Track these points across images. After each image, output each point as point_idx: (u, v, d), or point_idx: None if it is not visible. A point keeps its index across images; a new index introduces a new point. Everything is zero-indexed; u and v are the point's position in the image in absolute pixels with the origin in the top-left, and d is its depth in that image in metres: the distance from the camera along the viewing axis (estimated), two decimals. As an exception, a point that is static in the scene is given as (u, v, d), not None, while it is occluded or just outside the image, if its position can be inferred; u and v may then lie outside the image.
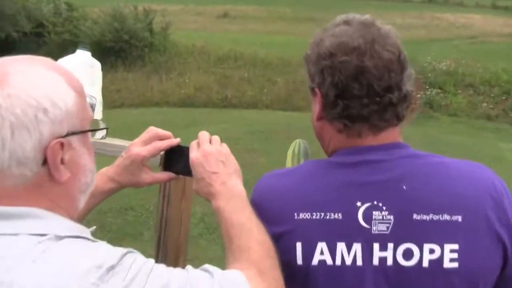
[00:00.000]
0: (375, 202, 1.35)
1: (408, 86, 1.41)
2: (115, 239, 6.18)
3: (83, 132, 1.22)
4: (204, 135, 1.57)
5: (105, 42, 23.33)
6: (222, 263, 1.35)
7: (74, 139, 1.19)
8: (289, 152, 2.24)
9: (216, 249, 6.44)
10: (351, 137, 1.42)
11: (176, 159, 1.64)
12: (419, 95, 20.65)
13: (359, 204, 1.35)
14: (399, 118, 1.43)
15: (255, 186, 1.56)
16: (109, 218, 7.19)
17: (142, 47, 23.86)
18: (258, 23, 35.92)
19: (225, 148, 1.56)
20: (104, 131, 1.76)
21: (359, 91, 1.36)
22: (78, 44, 2.71)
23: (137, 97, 20.79)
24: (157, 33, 25.31)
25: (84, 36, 23.75)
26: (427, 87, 21.21)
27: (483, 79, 21.77)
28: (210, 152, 1.51)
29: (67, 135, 1.16)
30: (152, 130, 1.66)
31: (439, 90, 20.94)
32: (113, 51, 23.27)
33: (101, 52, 23.43)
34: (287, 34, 31.18)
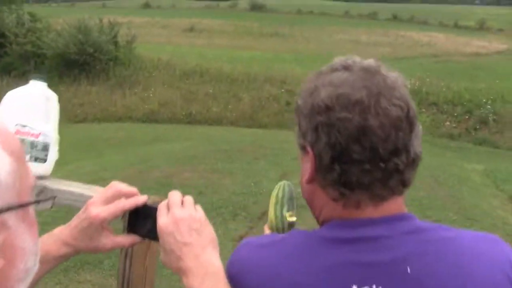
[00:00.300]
0: (374, 287, 1.16)
1: (417, 146, 1.19)
2: (73, 268, 5.96)
3: (22, 206, 1.03)
4: (174, 196, 1.33)
5: (69, 54, 23.02)
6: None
7: (10, 216, 0.99)
8: (273, 195, 2.07)
9: None
10: (348, 207, 1.20)
11: (142, 221, 1.41)
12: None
13: None
14: (405, 185, 1.19)
15: (234, 256, 1.31)
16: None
17: (107, 61, 23.60)
18: (224, 38, 35.92)
19: (199, 212, 1.32)
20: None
21: (360, 155, 1.14)
22: (31, 74, 2.49)
23: (100, 112, 20.50)
24: (122, 46, 25.09)
25: (48, 48, 23.41)
26: (392, 105, 21.32)
27: (446, 98, 22.08)
28: (181, 218, 1.28)
29: (1, 212, 0.97)
30: (115, 186, 1.39)
31: (403, 109, 21.07)
32: (77, 64, 22.97)
33: (64, 64, 23.13)
34: (253, 49, 31.23)
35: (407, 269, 1.15)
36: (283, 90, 22.81)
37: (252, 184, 9.36)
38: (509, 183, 11.72)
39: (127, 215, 1.40)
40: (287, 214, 2.02)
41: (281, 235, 1.32)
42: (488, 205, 9.51)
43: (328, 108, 1.15)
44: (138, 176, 9.60)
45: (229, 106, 21.06)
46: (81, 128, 18.52)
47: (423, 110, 21.41)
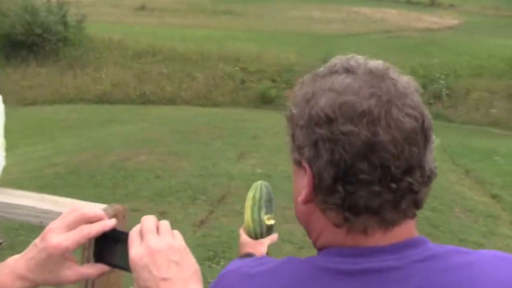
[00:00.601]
0: None
1: (431, 162, 1.02)
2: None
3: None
4: (148, 222, 1.11)
5: (15, 35, 22.30)
6: None
7: None
8: (249, 197, 1.87)
9: None
10: (353, 233, 1.03)
11: (110, 248, 1.17)
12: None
13: None
14: (418, 207, 1.03)
15: (217, 286, 1.14)
16: (21, 237, 6.60)
17: (56, 41, 22.99)
18: (177, 16, 35.36)
19: (178, 240, 1.10)
20: None
21: (369, 174, 0.97)
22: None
23: (51, 94, 19.97)
24: (72, 27, 24.45)
25: (-7, 29, 22.67)
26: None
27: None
28: (158, 249, 1.06)
29: None
30: (77, 209, 1.16)
31: (357, 85, 21.19)
32: (25, 45, 22.28)
33: (11, 46, 22.43)
34: (206, 27, 30.82)
35: None
36: (237, 68, 22.59)
37: (210, 165, 9.19)
38: (465, 158, 11.85)
39: (93, 242, 1.17)
40: (265, 217, 1.85)
41: (272, 262, 1.11)
42: (445, 180, 9.55)
43: (330, 120, 0.98)
44: (92, 161, 9.32)
45: (183, 86, 20.78)
46: (31, 111, 17.99)
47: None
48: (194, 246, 5.92)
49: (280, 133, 9.74)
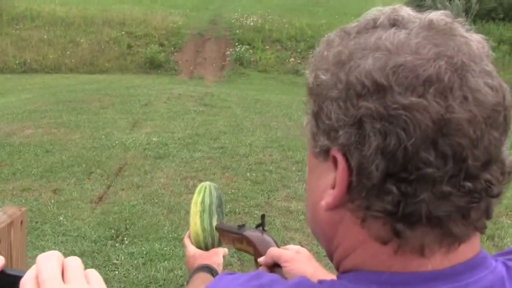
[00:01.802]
0: None
1: (507, 153, 0.73)
2: None
3: None
4: (48, 264, 0.74)
5: None
6: None
7: None
8: (197, 202, 1.55)
9: None
10: (403, 253, 0.73)
11: None
12: (228, 52, 20.70)
13: None
14: (489, 216, 0.74)
15: None
16: None
17: None
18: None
19: (97, 285, 0.75)
20: None
21: (438, 169, 0.68)
22: None
23: None
24: None
25: None
26: (236, 43, 21.26)
27: (289, 35, 22.25)
28: None
29: None
30: None
31: (247, 47, 21.15)
32: None
33: None
34: (87, -10, 29.50)
35: None
36: (123, 33, 21.78)
37: (103, 136, 8.73)
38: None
39: None
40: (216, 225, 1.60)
41: (278, 283, 0.79)
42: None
43: (381, 88, 0.68)
44: (-27, 138, 8.60)
45: (67, 52, 19.81)
46: None
47: (267, 47, 21.51)
48: (95, 225, 5.55)
49: (173, 99, 9.44)
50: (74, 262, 0.75)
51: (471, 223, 0.71)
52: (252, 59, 20.63)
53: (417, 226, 0.70)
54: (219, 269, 1.56)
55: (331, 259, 0.84)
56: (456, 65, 0.68)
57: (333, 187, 0.75)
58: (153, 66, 19.96)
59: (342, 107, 0.71)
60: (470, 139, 0.66)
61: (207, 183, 1.61)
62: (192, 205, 1.57)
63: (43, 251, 4.75)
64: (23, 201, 6.13)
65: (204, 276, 1.49)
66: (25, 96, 12.86)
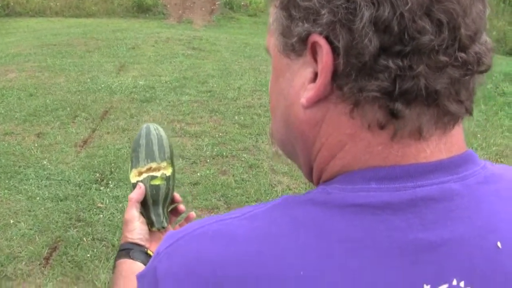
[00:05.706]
0: (455, 282, 0.65)
1: (485, 35, 0.68)
2: None
3: None
4: None
5: None
6: None
7: None
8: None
9: None
10: (402, 138, 0.66)
11: None
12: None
13: None
14: (472, 100, 0.69)
15: (170, 252, 0.68)
16: None
17: None
18: None
19: None
20: None
21: (434, 37, 0.62)
22: None
23: None
24: None
25: None
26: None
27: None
28: None
29: None
30: None
31: (237, -10, 20.75)
32: None
33: None
34: None
35: (498, 245, 0.67)
36: (110, -25, 21.27)
37: (89, 80, 8.54)
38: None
39: None
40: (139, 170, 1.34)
41: (260, 205, 0.70)
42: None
43: None
44: (-46, 81, 8.38)
45: (52, -5, 19.35)
46: None
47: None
48: (79, 169, 5.45)
49: (161, 43, 9.19)
50: None
51: (463, 101, 0.67)
52: (242, 3, 20.27)
53: (414, 104, 0.64)
54: (139, 237, 1.27)
55: (310, 174, 0.74)
56: None
57: (313, 81, 0.67)
58: (141, 9, 19.53)
59: None
60: (462, 6, 0.62)
61: (149, 125, 1.39)
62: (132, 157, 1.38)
63: (26, 195, 4.66)
64: (6, 145, 6.01)
65: (126, 267, 1.24)
66: (8, 40, 12.56)
